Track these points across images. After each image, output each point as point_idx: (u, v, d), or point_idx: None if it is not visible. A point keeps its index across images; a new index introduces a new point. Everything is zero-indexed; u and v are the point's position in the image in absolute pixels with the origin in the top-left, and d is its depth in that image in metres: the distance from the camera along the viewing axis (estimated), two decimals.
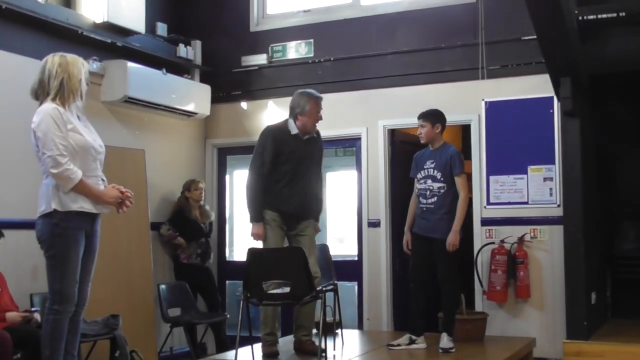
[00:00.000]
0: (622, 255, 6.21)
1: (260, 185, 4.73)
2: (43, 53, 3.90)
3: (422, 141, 5.27)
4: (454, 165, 5.09)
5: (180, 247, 6.45)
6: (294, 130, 4.84)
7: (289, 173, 4.79)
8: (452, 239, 5.01)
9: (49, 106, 3.66)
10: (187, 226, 6.47)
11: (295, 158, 4.82)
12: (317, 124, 4.90)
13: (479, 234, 6.15)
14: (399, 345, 5.10)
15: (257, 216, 4.73)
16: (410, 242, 5.27)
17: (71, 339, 3.71)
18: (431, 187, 5.12)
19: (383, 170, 6.55)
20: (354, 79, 6.68)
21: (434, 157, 5.18)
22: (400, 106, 6.49)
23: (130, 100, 6.09)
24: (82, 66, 3.79)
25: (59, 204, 3.61)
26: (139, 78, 6.09)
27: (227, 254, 7.35)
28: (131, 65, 6.06)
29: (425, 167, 5.19)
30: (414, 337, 5.14)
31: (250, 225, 4.77)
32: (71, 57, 3.80)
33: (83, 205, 3.64)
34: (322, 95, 4.93)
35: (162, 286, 6.14)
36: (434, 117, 5.19)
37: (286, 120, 4.92)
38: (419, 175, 5.23)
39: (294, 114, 4.85)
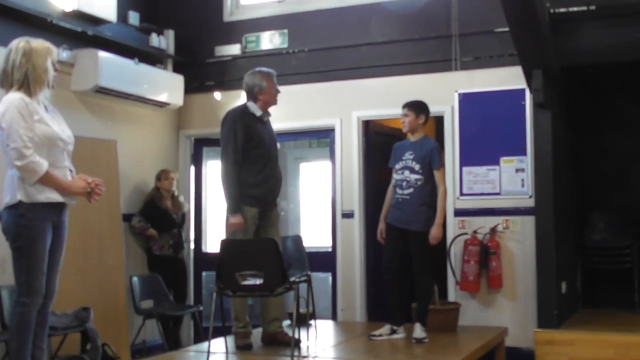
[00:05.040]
0: (592, 246, 6.26)
1: (236, 175, 4.63)
2: (10, 41, 3.71)
3: (404, 130, 5.25)
4: (434, 159, 5.08)
5: (152, 239, 6.39)
6: (257, 112, 4.78)
7: (263, 157, 4.73)
8: (436, 232, 5.01)
9: (14, 96, 3.53)
10: (159, 217, 6.39)
11: (265, 141, 4.77)
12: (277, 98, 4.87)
13: (452, 225, 6.12)
14: (380, 335, 5.08)
15: (236, 207, 4.62)
16: (384, 231, 5.24)
17: (39, 332, 3.61)
18: (408, 179, 5.09)
19: (357, 161, 6.52)
20: (328, 70, 6.62)
21: (413, 148, 5.15)
22: (374, 97, 6.48)
23: (102, 90, 5.98)
24: (48, 53, 3.64)
25: (24, 195, 3.50)
26: (111, 67, 5.98)
27: (203, 246, 7.24)
28: (102, 54, 5.94)
29: (404, 158, 5.16)
30: (395, 328, 5.12)
31: (228, 216, 4.64)
32: (36, 44, 3.65)
33: (49, 195, 3.54)
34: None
35: (135, 278, 6.05)
36: (418, 107, 5.19)
37: (245, 104, 4.84)
38: (397, 166, 5.19)
39: (253, 95, 4.80)
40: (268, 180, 4.75)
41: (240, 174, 4.65)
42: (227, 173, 4.65)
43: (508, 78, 5.97)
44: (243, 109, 4.82)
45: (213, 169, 7.33)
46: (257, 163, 4.70)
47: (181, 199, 6.66)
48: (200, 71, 7.08)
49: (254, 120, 4.76)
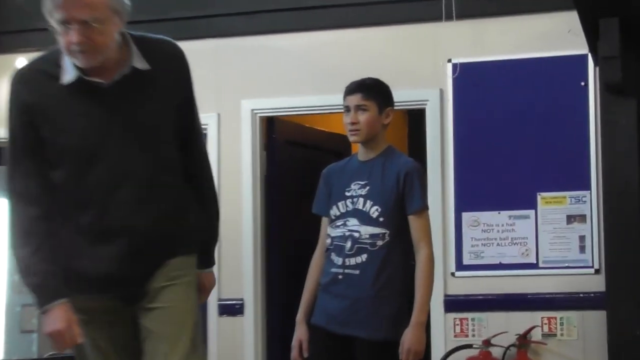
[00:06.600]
0: None
1: (41, 220, 3.82)
2: None
3: (353, 138, 4.72)
4: (410, 194, 4.62)
5: None
6: (71, 71, 3.77)
7: (92, 185, 3.79)
8: (413, 340, 4.47)
9: None
10: None
11: (93, 132, 3.80)
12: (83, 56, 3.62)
13: (442, 328, 5.85)
14: None
15: (52, 292, 3.75)
16: (306, 344, 4.71)
17: None
18: (357, 234, 4.65)
19: (250, 197, 6.21)
20: (196, 16, 6.32)
21: (367, 174, 4.69)
22: (285, 72, 6.18)
23: None
24: None
25: None
26: None
27: None
28: None
29: (347, 193, 4.72)
30: None
31: (40, 316, 3.81)
32: None
33: None
34: None
35: None
36: (382, 94, 4.72)
37: (54, 50, 3.97)
38: (333, 211, 4.69)
39: None
40: (102, 219, 3.80)
41: (48, 217, 3.80)
42: (14, 222, 3.86)
43: (550, 35, 5.80)
44: (43, 59, 3.94)
45: None
46: (77, 199, 3.79)
47: None
48: None
49: (56, 87, 3.79)
